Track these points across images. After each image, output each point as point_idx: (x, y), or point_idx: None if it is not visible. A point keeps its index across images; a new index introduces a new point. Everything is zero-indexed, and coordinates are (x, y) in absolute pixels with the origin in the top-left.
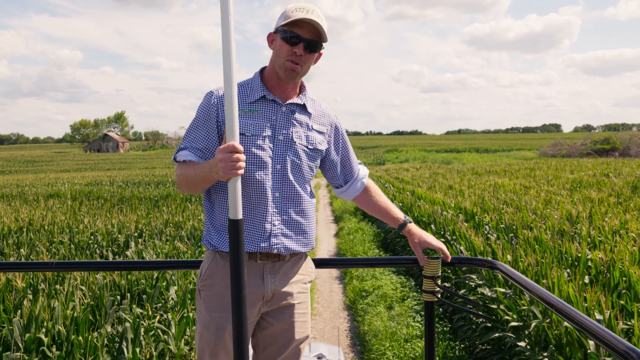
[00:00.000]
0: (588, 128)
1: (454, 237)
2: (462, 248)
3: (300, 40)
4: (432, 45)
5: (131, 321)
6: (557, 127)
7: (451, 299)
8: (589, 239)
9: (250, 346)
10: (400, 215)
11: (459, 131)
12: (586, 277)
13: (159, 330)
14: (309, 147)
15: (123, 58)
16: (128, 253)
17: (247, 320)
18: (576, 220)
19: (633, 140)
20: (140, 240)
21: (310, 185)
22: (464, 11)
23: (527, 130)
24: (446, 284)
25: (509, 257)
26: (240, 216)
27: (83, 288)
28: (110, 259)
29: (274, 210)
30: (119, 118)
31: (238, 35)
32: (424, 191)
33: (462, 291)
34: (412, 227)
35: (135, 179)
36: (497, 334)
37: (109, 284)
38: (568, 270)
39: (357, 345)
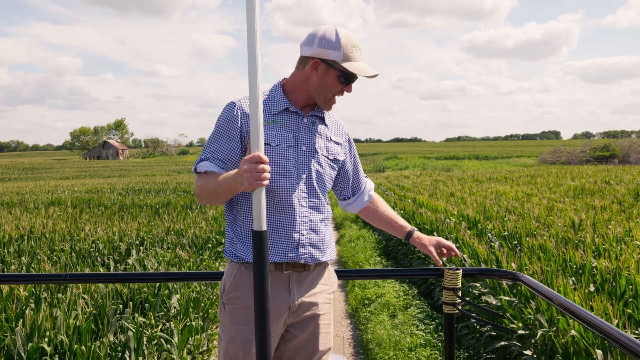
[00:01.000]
0: (587, 135)
1: (457, 245)
2: (465, 256)
3: (354, 80)
4: (432, 53)
5: (134, 330)
6: (556, 134)
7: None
8: (593, 246)
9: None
10: (406, 224)
11: (459, 138)
12: (591, 285)
13: (161, 340)
14: (330, 157)
15: (123, 65)
16: (129, 261)
17: (271, 334)
18: (580, 227)
19: (632, 147)
20: (141, 248)
21: (327, 195)
22: (463, 19)
23: (526, 137)
24: None
25: (514, 265)
26: (264, 227)
27: (85, 297)
28: (112, 267)
29: (302, 219)
30: (119, 125)
31: (237, 43)
32: (425, 199)
33: (467, 299)
34: (419, 233)
35: (136, 187)
36: (502, 343)
37: (111, 293)
38: (573, 278)
39: (360, 354)
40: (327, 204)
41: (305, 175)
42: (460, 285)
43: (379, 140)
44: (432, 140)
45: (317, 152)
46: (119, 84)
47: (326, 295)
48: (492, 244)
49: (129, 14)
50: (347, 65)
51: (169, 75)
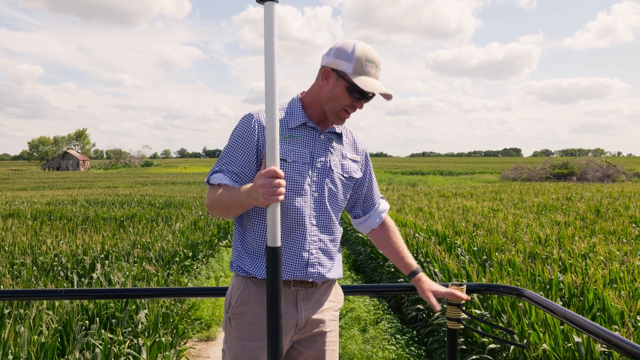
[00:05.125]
0: (546, 153)
1: (428, 260)
2: (436, 270)
3: (366, 97)
4: (398, 70)
5: (101, 347)
6: (517, 152)
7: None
8: (559, 262)
9: None
10: (413, 262)
11: (423, 154)
12: (559, 300)
13: (130, 356)
14: (345, 175)
15: (86, 74)
16: (94, 275)
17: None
18: (546, 243)
19: (590, 165)
20: (106, 262)
21: (340, 214)
22: (429, 37)
23: (488, 154)
24: (419, 306)
25: (484, 280)
26: (278, 243)
27: (50, 313)
28: (76, 282)
29: (312, 238)
30: (80, 135)
31: (204, 55)
32: (394, 213)
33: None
34: (423, 276)
35: (99, 198)
36: (474, 357)
37: (76, 308)
38: (541, 293)
39: None
40: (339, 223)
41: (318, 193)
42: (464, 302)
43: None
44: (398, 156)
45: (332, 170)
46: (80, 92)
47: (333, 312)
48: (462, 259)
49: (94, 23)
50: (357, 80)
51: (133, 85)
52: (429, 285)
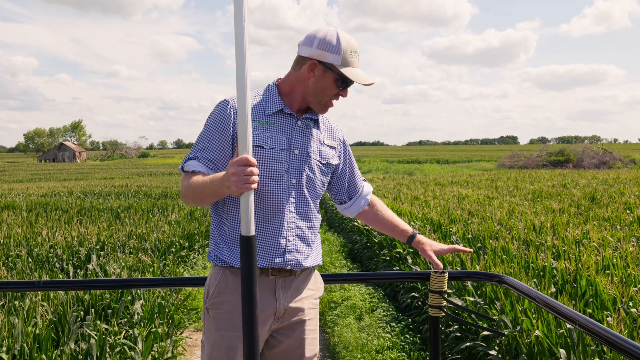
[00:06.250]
0: (543, 140)
1: None
2: None
3: (350, 85)
4: (394, 58)
5: (96, 338)
6: (513, 139)
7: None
8: (553, 248)
9: None
10: (408, 228)
11: (420, 142)
12: (552, 286)
13: (125, 347)
14: (322, 162)
15: (80, 66)
16: (90, 266)
17: (259, 341)
18: (540, 230)
19: (586, 152)
20: (102, 253)
21: (319, 201)
22: (425, 25)
23: (485, 142)
24: (414, 294)
25: (478, 268)
26: (252, 232)
27: (45, 304)
28: (72, 273)
29: (289, 225)
30: (76, 127)
31: (200, 45)
32: (390, 202)
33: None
34: (422, 237)
35: (95, 190)
36: (468, 344)
37: (71, 299)
38: (535, 280)
39: (327, 358)
40: (317, 210)
41: (295, 180)
42: (446, 288)
43: None
44: (395, 144)
45: (310, 157)
46: (75, 84)
47: (312, 301)
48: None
49: (88, 14)
50: (345, 70)
51: (128, 77)
52: (430, 245)
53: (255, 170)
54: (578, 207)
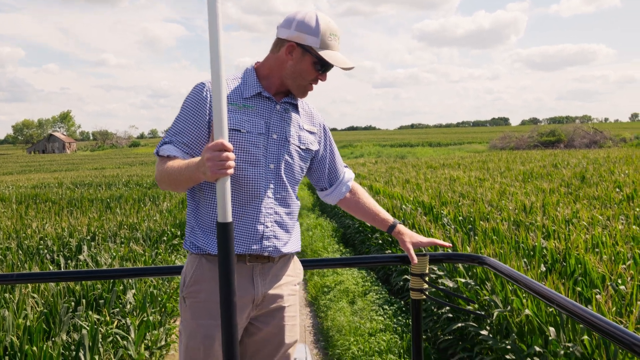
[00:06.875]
0: (534, 121)
1: (414, 231)
2: None
3: (329, 69)
4: (384, 41)
5: (88, 328)
6: (505, 121)
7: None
8: (543, 228)
9: None
10: (389, 217)
11: (412, 126)
12: (542, 265)
13: (117, 336)
14: (302, 147)
15: (68, 55)
16: (81, 257)
17: (238, 329)
18: (530, 210)
19: (577, 132)
20: (93, 243)
21: (297, 187)
22: (415, 8)
23: (477, 124)
24: (407, 277)
25: (469, 249)
26: (229, 219)
27: (35, 296)
28: (63, 264)
29: (267, 211)
30: (65, 117)
31: (188, 32)
32: (381, 186)
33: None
34: (402, 228)
35: (85, 180)
36: (459, 324)
37: (62, 291)
38: (525, 259)
39: (321, 341)
40: (296, 196)
41: (273, 165)
42: (427, 271)
43: (334, 129)
44: (387, 128)
45: (289, 142)
46: (64, 74)
47: (291, 287)
48: (448, 229)
49: (74, 2)
50: (323, 53)
51: (117, 65)
52: (410, 237)
53: (232, 155)
54: (568, 186)
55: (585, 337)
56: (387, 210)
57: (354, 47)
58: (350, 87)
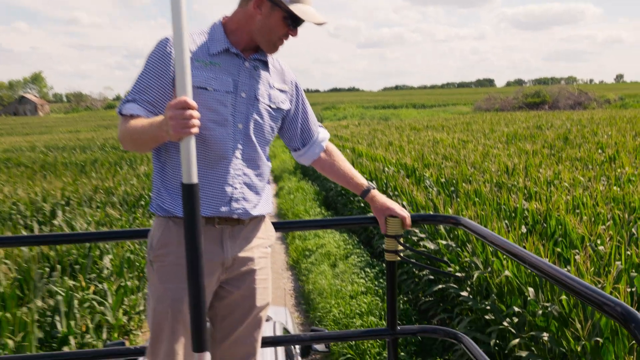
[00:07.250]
0: (519, 82)
1: (396, 193)
2: (404, 203)
3: (300, 23)
4: (369, 0)
5: (63, 294)
6: (490, 82)
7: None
8: (525, 190)
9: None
10: (363, 181)
11: (396, 87)
12: (523, 227)
13: (94, 302)
14: (272, 106)
15: (38, 14)
16: (56, 222)
17: (205, 292)
18: (513, 172)
19: (562, 93)
20: (67, 208)
21: (268, 148)
22: None
23: (462, 85)
24: None
25: (450, 211)
26: (195, 180)
27: (7, 262)
28: (36, 230)
29: (236, 172)
30: (36, 79)
31: None
32: (364, 148)
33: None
34: (376, 193)
35: (59, 144)
36: (440, 286)
37: (36, 256)
38: (506, 221)
39: (302, 305)
40: (267, 157)
41: (242, 124)
42: (402, 233)
43: (317, 91)
44: (370, 90)
45: (258, 100)
46: (33, 33)
47: (263, 250)
48: (430, 191)
49: None
50: (294, 7)
51: (90, 24)
52: (382, 203)
53: (196, 113)
54: (551, 148)
55: (563, 296)
56: (370, 173)
57: (338, 6)
58: (334, 47)
